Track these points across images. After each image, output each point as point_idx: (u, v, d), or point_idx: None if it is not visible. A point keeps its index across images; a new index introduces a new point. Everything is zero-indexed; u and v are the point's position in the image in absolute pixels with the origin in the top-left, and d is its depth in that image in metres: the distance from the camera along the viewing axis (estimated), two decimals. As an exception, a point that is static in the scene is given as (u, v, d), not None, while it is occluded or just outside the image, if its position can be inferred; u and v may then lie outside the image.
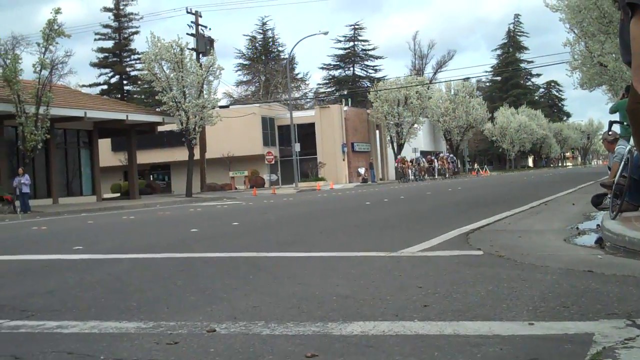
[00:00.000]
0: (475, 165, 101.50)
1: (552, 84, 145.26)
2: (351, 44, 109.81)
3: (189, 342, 4.59)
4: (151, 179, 68.64)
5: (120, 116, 41.32)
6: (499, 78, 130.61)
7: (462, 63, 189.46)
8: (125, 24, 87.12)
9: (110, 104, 46.45)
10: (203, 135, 51.50)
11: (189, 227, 15.46)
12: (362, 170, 68.83)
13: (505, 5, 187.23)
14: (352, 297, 5.79)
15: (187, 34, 53.46)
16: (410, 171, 66.96)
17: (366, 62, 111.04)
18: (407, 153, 75.55)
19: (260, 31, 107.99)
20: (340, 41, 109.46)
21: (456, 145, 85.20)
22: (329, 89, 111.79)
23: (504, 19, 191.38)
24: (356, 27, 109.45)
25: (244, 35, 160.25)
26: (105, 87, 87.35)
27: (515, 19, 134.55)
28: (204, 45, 53.19)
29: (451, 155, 79.55)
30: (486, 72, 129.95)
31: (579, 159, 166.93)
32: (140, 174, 59.19)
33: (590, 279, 6.19)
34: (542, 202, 17.90)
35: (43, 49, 34.21)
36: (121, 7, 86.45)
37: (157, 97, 46.48)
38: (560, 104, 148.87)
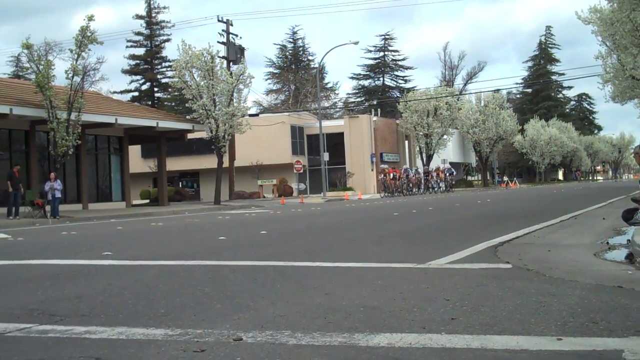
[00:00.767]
0: (505, 177, 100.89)
1: (584, 96, 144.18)
2: (381, 54, 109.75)
3: (216, 350, 4.60)
4: (180, 186, 68.92)
5: (151, 123, 41.56)
6: (529, 90, 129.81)
7: (492, 74, 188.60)
8: (157, 32, 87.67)
9: (141, 111, 46.74)
10: (232, 143, 51.66)
11: (217, 234, 15.50)
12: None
13: (536, 17, 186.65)
14: (379, 309, 5.78)
15: (218, 42, 53.72)
16: (394, 183, 55.12)
17: (396, 73, 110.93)
18: (436, 164, 75.28)
19: (291, 40, 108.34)
20: (370, 51, 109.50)
21: (486, 157, 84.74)
22: (358, 99, 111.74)
23: (535, 30, 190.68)
24: (387, 37, 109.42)
25: (274, 44, 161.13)
26: (136, 94, 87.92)
27: (547, 31, 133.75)
28: (235, 53, 53.41)
29: (450, 168, 70.07)
30: (517, 84, 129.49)
31: (610, 172, 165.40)
32: (170, 181, 59.51)
33: (620, 295, 6.13)
34: (571, 216, 17.76)
35: (75, 56, 34.46)
36: (153, 15, 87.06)
37: (187, 105, 46.68)
38: (591, 117, 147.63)
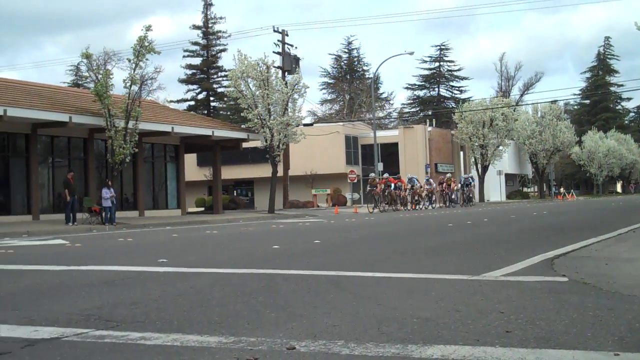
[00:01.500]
0: (561, 189, 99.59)
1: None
2: (437, 64, 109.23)
3: (269, 358, 4.62)
4: (235, 194, 69.43)
5: (207, 132, 41.96)
6: (587, 101, 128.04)
7: (549, 85, 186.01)
8: (213, 42, 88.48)
9: (197, 120, 47.23)
10: (287, 153, 51.88)
11: (270, 243, 15.56)
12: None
13: (594, 28, 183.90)
14: (433, 320, 5.75)
15: (274, 52, 54.07)
16: (396, 194, 46.00)
17: (451, 83, 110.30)
18: (492, 175, 74.58)
19: (346, 50, 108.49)
20: (425, 61, 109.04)
21: (542, 168, 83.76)
22: (413, 109, 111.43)
23: (594, 41, 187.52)
24: (442, 47, 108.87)
25: (329, 54, 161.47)
26: (192, 103, 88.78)
27: (606, 42, 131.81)
28: (290, 63, 53.69)
29: (468, 177, 56.73)
30: (574, 94, 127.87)
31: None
32: (224, 189, 59.98)
33: (680, 311, 6.00)
34: (630, 229, 17.43)
35: (133, 65, 34.96)
36: (210, 25, 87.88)
37: (242, 114, 47.01)
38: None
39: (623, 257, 10.73)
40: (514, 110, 79.15)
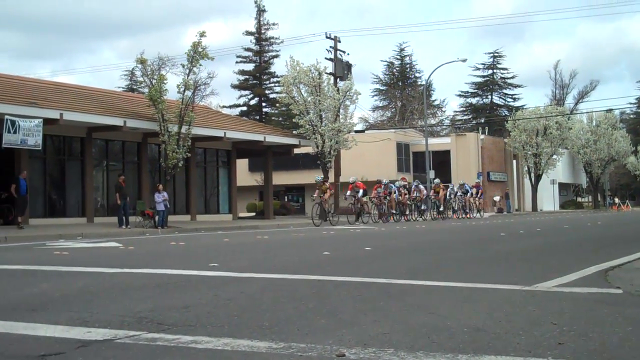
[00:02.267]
0: (616, 199, 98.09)
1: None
2: (490, 71, 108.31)
3: (319, 365, 4.62)
4: (286, 200, 69.66)
5: (258, 137, 42.22)
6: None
7: (605, 94, 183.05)
8: (266, 48, 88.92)
9: (249, 125, 47.55)
10: (338, 159, 51.87)
11: (321, 249, 15.56)
12: (497, 198, 67.33)
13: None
14: (484, 330, 5.70)
15: (326, 58, 54.07)
16: (368, 206, 40.57)
17: (505, 91, 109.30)
18: (545, 185, 73.76)
19: (398, 57, 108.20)
20: (478, 69, 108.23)
21: (596, 178, 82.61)
22: (465, 117, 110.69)
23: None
24: (496, 54, 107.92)
25: (381, 60, 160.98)
26: (244, 108, 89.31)
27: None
28: (342, 69, 53.67)
29: (464, 185, 49.24)
30: (630, 103, 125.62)
31: None
32: (275, 194, 60.23)
33: None
34: (687, 241, 17.11)
35: (187, 70, 35.34)
36: (263, 32, 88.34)
37: (294, 120, 47.20)
38: None
39: (680, 270, 10.52)
40: (568, 119, 78.25)
